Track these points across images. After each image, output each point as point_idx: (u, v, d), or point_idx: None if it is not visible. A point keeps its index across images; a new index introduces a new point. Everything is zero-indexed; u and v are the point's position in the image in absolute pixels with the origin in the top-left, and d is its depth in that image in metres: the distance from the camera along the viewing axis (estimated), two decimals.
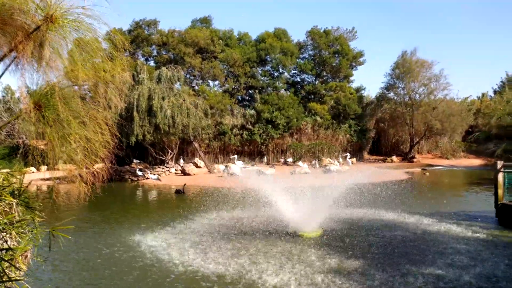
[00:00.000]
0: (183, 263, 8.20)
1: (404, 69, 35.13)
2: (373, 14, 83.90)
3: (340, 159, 31.36)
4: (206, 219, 12.68)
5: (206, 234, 10.65)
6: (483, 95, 45.49)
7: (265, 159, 31.87)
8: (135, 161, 27.12)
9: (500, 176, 12.09)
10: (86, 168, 3.42)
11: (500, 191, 12.05)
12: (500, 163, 12.38)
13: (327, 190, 11.68)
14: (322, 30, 36.02)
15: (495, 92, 46.09)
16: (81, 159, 3.29)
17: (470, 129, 38.83)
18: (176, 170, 26.58)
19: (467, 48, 78.97)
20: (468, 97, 43.26)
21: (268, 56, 33.68)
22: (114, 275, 7.79)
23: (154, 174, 24.34)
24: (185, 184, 19.15)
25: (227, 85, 32.60)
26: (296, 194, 11.75)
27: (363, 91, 38.73)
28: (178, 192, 18.54)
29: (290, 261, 8.30)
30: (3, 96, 31.54)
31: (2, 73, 2.91)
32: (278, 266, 7.97)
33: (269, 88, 33.86)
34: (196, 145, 27.88)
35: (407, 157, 36.48)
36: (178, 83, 26.28)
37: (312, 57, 36.44)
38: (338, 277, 7.29)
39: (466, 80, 74.35)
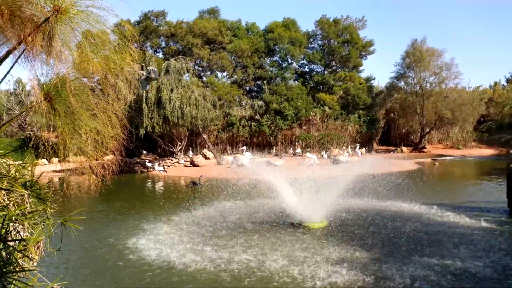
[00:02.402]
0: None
1: (415, 58, 34.51)
2: (383, 2, 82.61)
3: (350, 150, 31.18)
4: (214, 210, 12.77)
5: (208, 223, 10.73)
6: (495, 84, 44.60)
7: (273, 150, 31.83)
8: (144, 152, 27.31)
9: None
10: (96, 160, 3.43)
11: None
12: None
13: (336, 181, 11.64)
14: (331, 20, 35.52)
15: (507, 81, 45.23)
16: (92, 151, 3.30)
17: (482, 119, 38.17)
18: (185, 161, 26.72)
19: (479, 36, 77.51)
20: (479, 86, 42.50)
21: (276, 46, 33.39)
22: (124, 266, 7.89)
23: (159, 166, 24.53)
24: (201, 176, 19.00)
25: (235, 76, 32.47)
26: (305, 185, 11.72)
27: (372, 81, 38.23)
28: (194, 183, 18.42)
29: (296, 251, 8.32)
30: (14, 89, 31.92)
31: (12, 65, 2.91)
32: (284, 255, 8.00)
33: (277, 79, 33.62)
34: (205, 136, 27.94)
35: (417, 147, 36.10)
36: (186, 74, 26.26)
37: (321, 47, 36.04)
38: (344, 268, 7.28)
39: (478, 69, 73.11)
